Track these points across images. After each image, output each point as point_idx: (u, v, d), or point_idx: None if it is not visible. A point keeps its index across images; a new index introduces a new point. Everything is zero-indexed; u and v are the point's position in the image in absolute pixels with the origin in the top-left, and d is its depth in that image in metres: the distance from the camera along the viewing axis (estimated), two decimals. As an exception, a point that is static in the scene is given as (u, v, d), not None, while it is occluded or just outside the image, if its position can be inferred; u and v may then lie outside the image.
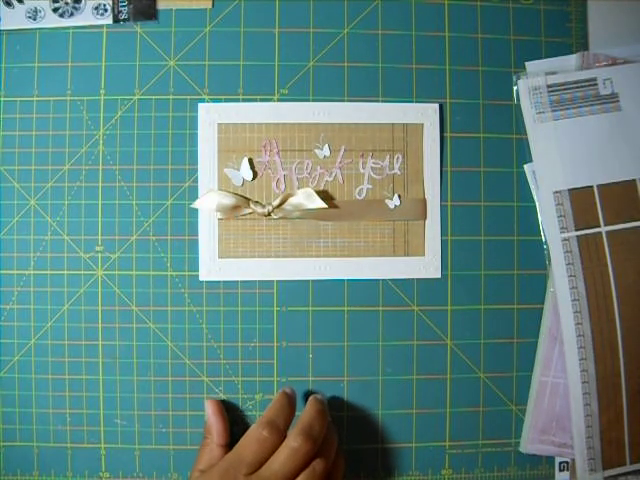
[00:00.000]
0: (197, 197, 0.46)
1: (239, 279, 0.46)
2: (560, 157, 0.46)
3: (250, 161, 0.46)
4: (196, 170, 0.46)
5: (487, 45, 0.48)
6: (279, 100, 0.47)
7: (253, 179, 0.46)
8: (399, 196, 0.47)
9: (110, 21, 0.47)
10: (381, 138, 0.47)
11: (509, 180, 0.47)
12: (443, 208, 0.47)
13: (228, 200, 0.45)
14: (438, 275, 0.47)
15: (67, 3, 0.47)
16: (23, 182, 0.46)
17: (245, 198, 0.46)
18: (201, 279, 0.46)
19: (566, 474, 0.47)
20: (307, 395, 0.45)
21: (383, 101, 0.47)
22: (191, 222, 0.46)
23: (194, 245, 0.46)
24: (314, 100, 0.47)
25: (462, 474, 0.47)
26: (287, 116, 0.47)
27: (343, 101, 0.47)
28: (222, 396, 0.46)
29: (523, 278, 0.47)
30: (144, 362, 0.46)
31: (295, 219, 0.46)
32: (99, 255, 0.46)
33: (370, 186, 0.47)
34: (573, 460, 0.46)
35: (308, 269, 0.46)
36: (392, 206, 0.47)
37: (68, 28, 0.47)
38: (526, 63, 0.47)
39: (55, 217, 0.46)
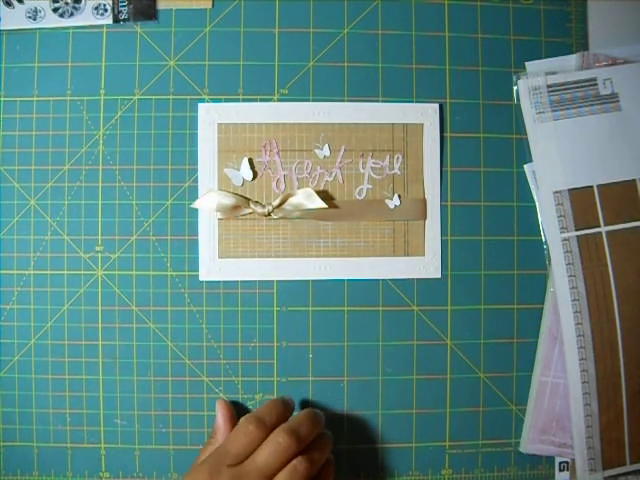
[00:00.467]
0: (197, 197, 0.46)
1: (239, 279, 0.46)
2: (560, 157, 0.46)
3: (250, 161, 0.46)
4: (196, 170, 0.46)
5: (487, 45, 0.48)
6: (279, 100, 0.47)
7: (253, 179, 0.46)
8: (399, 196, 0.47)
9: (110, 21, 0.47)
10: (381, 138, 0.47)
11: (509, 180, 0.47)
12: (443, 208, 0.47)
13: (228, 200, 0.45)
14: (438, 275, 0.47)
15: (67, 3, 0.47)
16: (23, 182, 0.46)
17: (245, 198, 0.46)
18: (201, 279, 0.46)
19: (566, 474, 0.47)
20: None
21: (383, 101, 0.47)
22: (191, 222, 0.46)
23: (194, 245, 0.46)
24: (314, 100, 0.47)
25: (462, 474, 0.47)
26: (287, 116, 0.47)
27: (343, 101, 0.47)
28: (222, 396, 0.46)
29: (523, 278, 0.47)
30: (144, 362, 0.46)
31: (295, 219, 0.46)
32: (99, 255, 0.46)
33: (370, 186, 0.47)
34: (573, 460, 0.46)
35: (308, 269, 0.46)
36: (392, 206, 0.47)
37: (68, 28, 0.47)
38: (526, 63, 0.47)
39: (55, 217, 0.46)
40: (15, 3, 0.47)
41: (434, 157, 0.47)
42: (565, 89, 0.46)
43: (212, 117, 0.46)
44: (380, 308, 0.47)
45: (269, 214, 0.46)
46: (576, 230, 0.46)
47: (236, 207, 0.46)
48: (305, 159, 0.47)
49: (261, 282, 0.46)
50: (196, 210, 0.46)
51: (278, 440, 0.39)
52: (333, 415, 0.46)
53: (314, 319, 0.46)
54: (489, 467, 0.47)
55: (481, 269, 0.47)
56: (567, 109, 0.46)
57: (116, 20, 0.47)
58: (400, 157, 0.47)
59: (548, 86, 0.46)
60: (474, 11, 0.48)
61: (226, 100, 0.47)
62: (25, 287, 0.46)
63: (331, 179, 0.47)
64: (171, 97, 0.47)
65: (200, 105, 0.46)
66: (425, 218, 0.47)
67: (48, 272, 0.46)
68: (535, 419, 0.46)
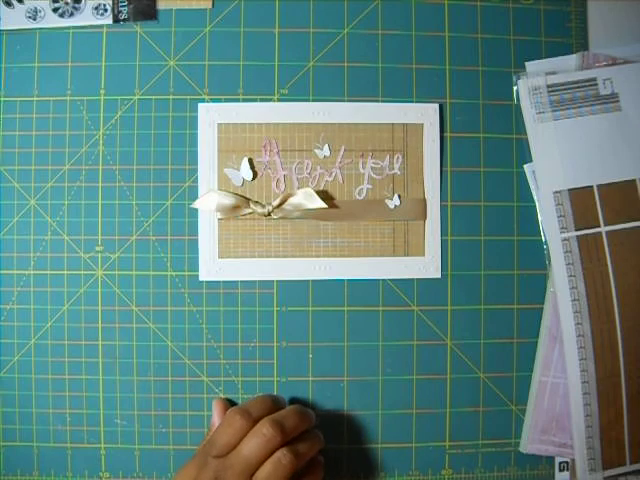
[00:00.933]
0: (197, 197, 0.46)
1: (239, 279, 0.46)
2: (560, 157, 0.46)
3: (250, 161, 0.46)
4: (196, 170, 0.46)
5: (487, 45, 0.48)
6: (279, 100, 0.47)
7: (253, 179, 0.46)
8: (399, 196, 0.47)
9: (110, 21, 0.47)
10: (381, 138, 0.47)
11: (509, 180, 0.47)
12: (443, 208, 0.47)
13: (228, 200, 0.45)
14: (438, 275, 0.47)
15: (67, 3, 0.47)
16: (23, 182, 0.46)
17: (245, 198, 0.46)
18: (201, 279, 0.46)
19: (566, 474, 0.47)
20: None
21: (383, 101, 0.47)
22: (191, 222, 0.46)
23: (194, 245, 0.46)
24: (314, 100, 0.47)
25: (462, 474, 0.47)
26: (287, 116, 0.47)
27: (343, 101, 0.47)
28: (222, 396, 0.46)
29: (523, 278, 0.47)
30: (144, 362, 0.46)
31: (295, 219, 0.46)
32: (99, 255, 0.46)
33: (370, 186, 0.47)
34: (573, 460, 0.46)
35: (308, 269, 0.46)
36: (392, 206, 0.47)
37: (68, 28, 0.47)
38: (526, 63, 0.47)
39: (55, 217, 0.46)
40: (15, 3, 0.47)
41: (434, 157, 0.47)
42: (565, 89, 0.46)
43: (212, 117, 0.46)
44: (380, 308, 0.47)
45: (269, 214, 0.46)
46: (576, 230, 0.46)
47: (236, 207, 0.46)
48: (305, 159, 0.47)
49: (261, 282, 0.46)
50: (196, 210, 0.46)
51: (262, 431, 0.39)
52: (333, 415, 0.46)
53: (314, 319, 0.46)
54: (489, 467, 0.47)
55: (481, 269, 0.47)
56: (567, 109, 0.46)
57: (116, 20, 0.47)
58: (400, 157, 0.47)
59: (548, 86, 0.46)
60: (474, 11, 0.48)
61: (226, 100, 0.47)
62: (25, 287, 0.46)
63: (331, 179, 0.47)
64: (171, 97, 0.47)
65: (200, 105, 0.46)
66: (425, 218, 0.47)
67: (48, 272, 0.46)
68: (535, 419, 0.46)
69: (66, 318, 0.46)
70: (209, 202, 0.45)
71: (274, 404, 0.42)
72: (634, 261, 0.46)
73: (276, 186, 0.47)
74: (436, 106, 0.47)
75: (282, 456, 0.38)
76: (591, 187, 0.46)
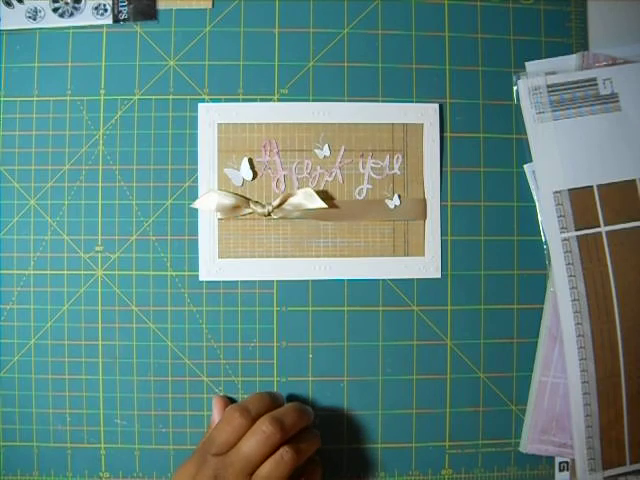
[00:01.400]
0: (197, 197, 0.46)
1: (239, 279, 0.46)
2: (560, 157, 0.46)
3: (250, 161, 0.46)
4: (196, 170, 0.46)
5: (487, 45, 0.48)
6: (279, 100, 0.47)
7: (253, 179, 0.46)
8: (399, 196, 0.47)
9: (110, 21, 0.47)
10: (381, 138, 0.47)
11: (509, 180, 0.47)
12: (443, 208, 0.47)
13: (228, 200, 0.45)
14: (438, 275, 0.47)
15: (67, 3, 0.47)
16: (23, 182, 0.46)
17: (245, 198, 0.46)
18: (201, 279, 0.46)
19: (566, 474, 0.47)
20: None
21: (383, 101, 0.47)
22: (191, 222, 0.46)
23: (194, 245, 0.46)
24: (314, 100, 0.47)
25: (462, 474, 0.47)
26: (287, 116, 0.47)
27: (343, 101, 0.47)
28: (219, 392, 0.46)
29: (523, 278, 0.47)
30: (144, 362, 0.46)
31: (295, 219, 0.46)
32: (99, 255, 0.46)
33: (370, 186, 0.47)
34: (573, 460, 0.46)
35: (308, 269, 0.46)
36: (392, 206, 0.47)
37: (68, 28, 0.47)
38: (526, 63, 0.47)
39: (55, 217, 0.46)
40: (15, 3, 0.47)
41: (434, 157, 0.47)
42: (565, 89, 0.46)
43: (212, 117, 0.46)
44: (380, 308, 0.47)
45: (269, 214, 0.46)
46: (576, 230, 0.46)
47: (236, 207, 0.46)
48: (305, 159, 0.47)
49: (261, 282, 0.46)
50: (196, 210, 0.46)
51: (262, 429, 0.39)
52: (333, 415, 0.46)
53: (314, 319, 0.46)
54: (489, 467, 0.47)
55: (481, 269, 0.47)
56: (567, 109, 0.46)
57: (116, 20, 0.47)
58: (400, 157, 0.47)
59: (548, 86, 0.46)
60: (474, 11, 0.48)
61: (226, 100, 0.47)
62: (25, 287, 0.46)
63: (331, 179, 0.47)
64: (171, 97, 0.47)
65: (200, 105, 0.46)
66: (425, 218, 0.47)
67: (48, 272, 0.46)
68: (535, 419, 0.46)
69: (66, 318, 0.46)
70: (209, 202, 0.45)
71: (273, 401, 0.42)
72: (634, 261, 0.46)
73: (276, 186, 0.47)
74: (436, 106, 0.47)
75: (284, 453, 0.39)
76: (591, 187, 0.46)
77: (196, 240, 0.46)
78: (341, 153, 0.47)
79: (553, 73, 0.47)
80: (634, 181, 0.46)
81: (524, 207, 0.47)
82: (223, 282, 0.46)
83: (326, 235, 0.47)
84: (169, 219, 0.46)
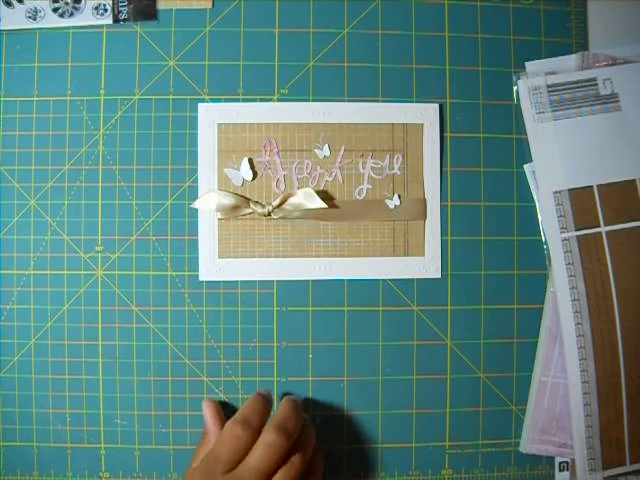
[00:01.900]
0: (197, 197, 0.46)
1: (239, 279, 0.46)
2: (560, 157, 0.46)
3: (250, 161, 0.46)
4: (196, 170, 0.46)
5: (487, 45, 0.48)
6: (279, 100, 0.47)
7: (253, 179, 0.46)
8: (399, 196, 0.47)
9: (110, 21, 0.47)
10: (381, 138, 0.47)
11: (509, 180, 0.47)
12: (443, 208, 0.47)
13: (228, 200, 0.45)
14: (438, 275, 0.47)
15: (67, 3, 0.47)
16: (23, 182, 0.46)
17: (245, 198, 0.46)
18: (201, 279, 0.46)
19: (566, 474, 0.47)
20: (282, 397, 0.45)
21: (383, 101, 0.47)
22: (191, 222, 0.46)
23: (194, 245, 0.46)
24: (314, 100, 0.47)
25: (462, 474, 0.47)
26: (287, 116, 0.47)
27: (343, 101, 0.47)
28: (222, 396, 0.46)
29: (523, 278, 0.47)
30: (144, 362, 0.46)
31: (295, 219, 0.46)
32: (99, 255, 0.46)
33: (370, 186, 0.47)
34: (573, 460, 0.46)
35: (308, 269, 0.46)
36: (392, 206, 0.47)
37: (68, 28, 0.47)
38: (526, 63, 0.47)
39: (55, 217, 0.46)
40: (15, 3, 0.47)
41: (434, 157, 0.47)
42: (565, 89, 0.46)
43: (212, 117, 0.46)
44: (380, 308, 0.47)
45: (269, 214, 0.46)
46: (576, 230, 0.46)
47: (236, 207, 0.46)
48: (305, 159, 0.47)
49: (261, 282, 0.46)
50: (196, 210, 0.46)
51: (269, 441, 0.38)
52: (333, 415, 0.46)
53: (314, 319, 0.46)
54: (489, 467, 0.47)
55: (481, 269, 0.47)
56: (567, 109, 0.46)
57: (116, 20, 0.47)
58: (400, 157, 0.47)
59: (548, 86, 0.46)
60: (474, 11, 0.48)
61: (226, 100, 0.47)
62: (25, 287, 0.46)
63: (331, 179, 0.47)
64: (171, 97, 0.47)
65: (200, 105, 0.46)
66: (425, 218, 0.47)
67: (48, 272, 0.46)
68: (535, 419, 0.46)
69: (66, 318, 0.46)
70: (209, 202, 0.45)
71: (268, 403, 0.42)
72: (634, 261, 0.46)
73: (276, 186, 0.47)
74: (436, 106, 0.47)
75: (294, 459, 0.39)
76: (591, 187, 0.46)
77: (196, 240, 0.46)
78: (341, 153, 0.47)
79: (553, 73, 0.47)
80: (634, 181, 0.46)
81: (524, 207, 0.47)
82: (223, 282, 0.46)
83: (326, 235, 0.47)
84: (169, 219, 0.46)
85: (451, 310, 0.47)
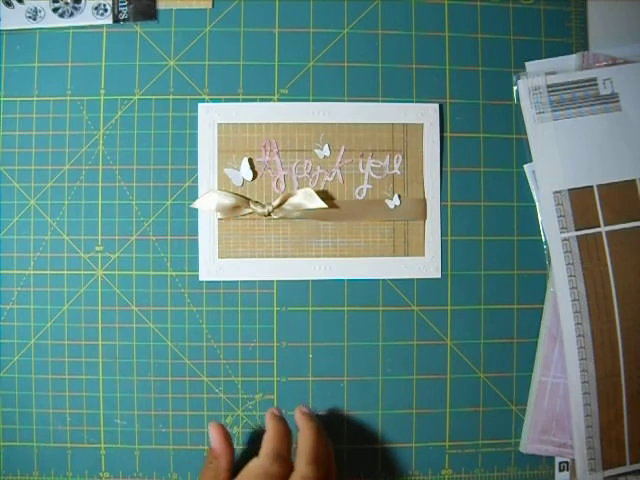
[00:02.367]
0: (197, 197, 0.46)
1: (239, 279, 0.46)
2: (560, 157, 0.46)
3: (250, 161, 0.46)
4: (196, 170, 0.46)
5: (487, 45, 0.48)
6: (279, 100, 0.47)
7: (253, 179, 0.46)
8: (399, 196, 0.47)
9: (110, 21, 0.47)
10: (381, 138, 0.47)
11: (509, 180, 0.47)
12: (443, 208, 0.47)
13: (228, 200, 0.45)
14: (438, 275, 0.47)
15: (67, 3, 0.47)
16: (23, 182, 0.46)
17: (245, 198, 0.46)
18: (201, 279, 0.46)
19: (566, 474, 0.47)
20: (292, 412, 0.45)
21: (383, 101, 0.47)
22: (191, 222, 0.46)
23: (194, 245, 0.46)
24: (314, 100, 0.47)
25: (462, 474, 0.47)
26: (287, 116, 0.47)
27: (343, 101, 0.47)
28: (222, 396, 0.46)
29: (523, 278, 0.47)
30: (144, 362, 0.46)
31: (295, 219, 0.46)
32: (99, 255, 0.46)
33: (370, 186, 0.47)
34: (573, 460, 0.46)
35: (308, 269, 0.46)
36: (392, 206, 0.47)
37: (68, 28, 0.47)
38: (526, 63, 0.47)
39: (55, 217, 0.46)
40: (15, 3, 0.47)
41: (434, 157, 0.47)
42: (565, 89, 0.46)
43: (212, 117, 0.46)
44: (380, 308, 0.47)
45: (269, 214, 0.46)
46: (576, 230, 0.46)
47: (236, 207, 0.46)
48: (305, 159, 0.47)
49: (261, 282, 0.46)
50: (196, 210, 0.46)
51: (308, 475, 0.38)
52: (333, 415, 0.46)
53: (314, 319, 0.46)
54: (489, 467, 0.47)
55: (481, 269, 0.47)
56: (567, 109, 0.46)
57: (116, 20, 0.47)
58: (400, 157, 0.47)
59: (548, 86, 0.46)
60: (474, 11, 0.48)
61: (226, 100, 0.47)
62: (25, 287, 0.46)
63: (331, 179, 0.47)
64: (171, 97, 0.47)
65: (200, 105, 0.46)
66: (425, 218, 0.47)
67: (48, 272, 0.46)
68: (535, 419, 0.46)
69: (66, 318, 0.46)
70: (209, 202, 0.45)
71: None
72: (634, 261, 0.46)
73: (276, 186, 0.47)
74: (436, 106, 0.47)
75: None
76: (591, 187, 0.46)
77: (196, 240, 0.46)
78: (341, 153, 0.47)
79: (553, 73, 0.47)
80: (634, 181, 0.46)
81: (524, 207, 0.47)
82: (223, 282, 0.46)
83: (326, 235, 0.47)
84: (169, 219, 0.46)
85: (451, 310, 0.47)
